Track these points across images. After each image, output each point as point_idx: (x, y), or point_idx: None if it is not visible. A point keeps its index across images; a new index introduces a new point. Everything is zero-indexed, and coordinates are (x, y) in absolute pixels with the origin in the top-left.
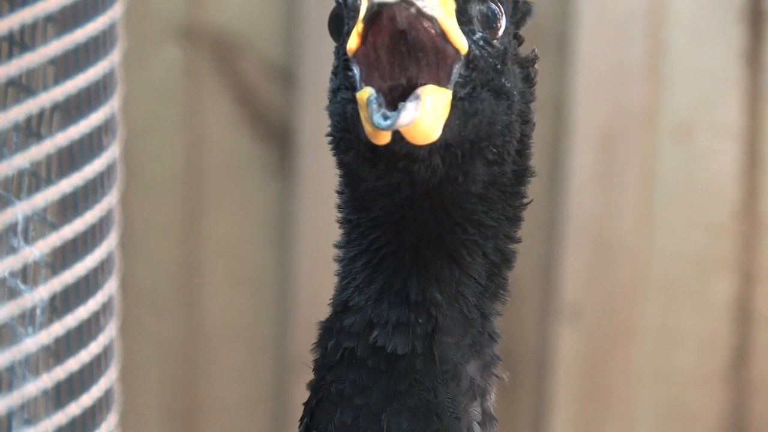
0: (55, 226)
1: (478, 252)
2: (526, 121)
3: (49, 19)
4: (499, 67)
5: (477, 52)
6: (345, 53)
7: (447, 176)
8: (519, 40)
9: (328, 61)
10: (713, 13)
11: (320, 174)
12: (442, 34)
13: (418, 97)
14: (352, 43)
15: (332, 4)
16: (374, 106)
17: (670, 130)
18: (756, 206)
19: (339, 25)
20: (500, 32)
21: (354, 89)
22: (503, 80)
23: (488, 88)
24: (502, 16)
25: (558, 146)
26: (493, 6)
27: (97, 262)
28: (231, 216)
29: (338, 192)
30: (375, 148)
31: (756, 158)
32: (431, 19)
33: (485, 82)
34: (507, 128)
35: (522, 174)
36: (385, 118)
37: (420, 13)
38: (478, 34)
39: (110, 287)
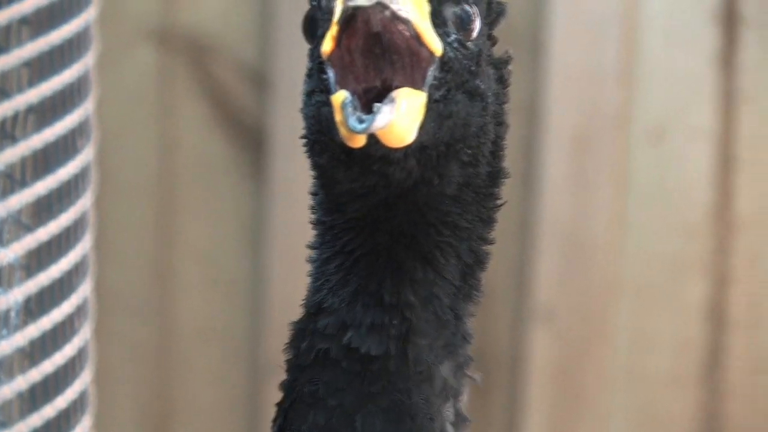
0: (29, 229)
1: (452, 253)
2: (500, 122)
3: (24, 21)
4: (473, 68)
5: (451, 54)
6: (319, 56)
7: (422, 178)
8: (493, 41)
9: (303, 64)
10: (687, 16)
11: (294, 177)
12: (417, 37)
13: (393, 100)
14: (327, 45)
15: (306, 7)
16: (349, 109)
17: (643, 133)
18: (729, 209)
19: (313, 27)
20: (474, 34)
21: (329, 92)
22: (478, 82)
23: (463, 90)
24: (476, 17)
25: (531, 148)
26: (467, 7)
27: (71, 265)
28: (204, 219)
29: (312, 194)
30: (350, 151)
31: (729, 161)
32: (405, 22)
33: (460, 84)
34: (481, 130)
35: (496, 175)
36: (360, 121)
37: (394, 16)
38: (453, 36)
39: (84, 290)
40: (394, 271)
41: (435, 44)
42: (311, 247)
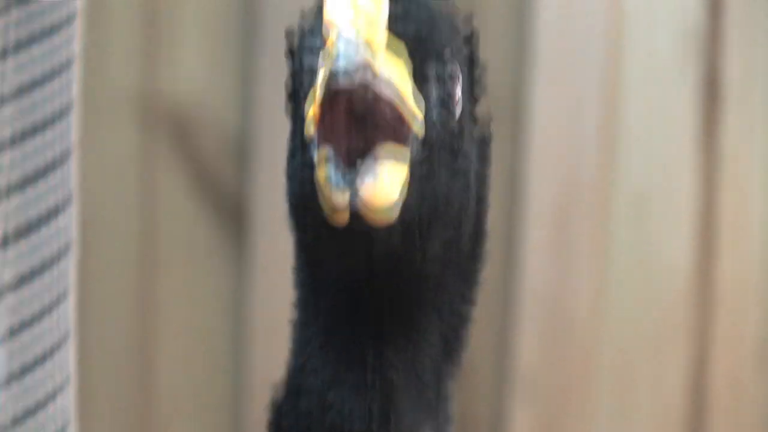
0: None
1: (435, 316)
2: (481, 199)
3: (3, 100)
4: (455, 146)
5: (434, 118)
6: (302, 118)
7: (405, 256)
8: (475, 119)
9: (285, 138)
10: (668, 87)
11: (276, 253)
12: (400, 103)
13: (374, 170)
14: (309, 128)
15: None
16: (332, 169)
17: (624, 203)
18: (711, 278)
19: (295, 88)
20: (458, 95)
21: (311, 158)
22: (460, 160)
23: (445, 168)
24: (458, 81)
25: (512, 221)
26: (449, 70)
27: (55, 338)
28: (186, 292)
29: (294, 256)
30: (332, 227)
31: (710, 230)
32: (389, 87)
33: (442, 161)
34: (463, 208)
35: (478, 255)
36: (343, 178)
37: (377, 89)
38: (435, 96)
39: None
40: (376, 334)
41: (414, 108)
42: (292, 307)
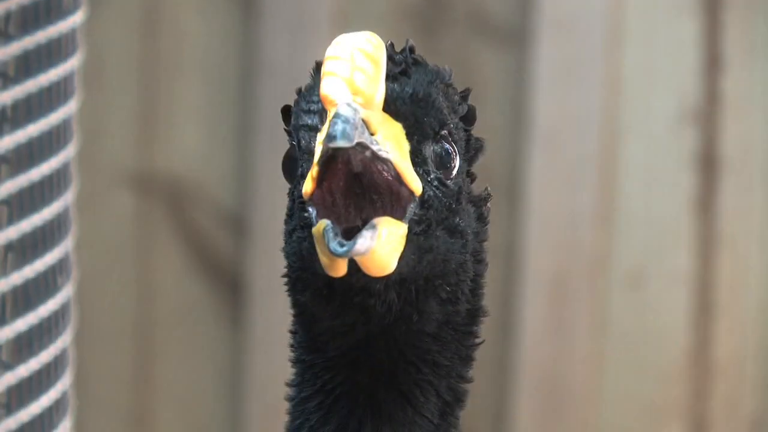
0: (10, 367)
1: (431, 391)
2: (479, 260)
3: (2, 159)
4: (453, 206)
5: (431, 192)
6: (300, 195)
7: (401, 314)
8: (472, 177)
9: (281, 210)
10: (665, 159)
11: (272, 322)
12: (397, 177)
13: (374, 227)
14: (308, 186)
15: (286, 143)
16: (330, 234)
17: (621, 277)
18: (707, 354)
19: (293, 167)
20: (454, 172)
21: (310, 227)
22: (457, 219)
23: (443, 227)
24: (455, 156)
25: (509, 291)
26: (447, 146)
27: (51, 402)
28: (182, 364)
29: (291, 332)
30: (331, 284)
31: (707, 306)
32: (386, 162)
33: (440, 220)
34: (461, 267)
35: (475, 314)
36: (342, 245)
37: (375, 157)
38: (433, 175)
39: (65, 428)
40: (374, 410)
41: (415, 184)
42: (290, 385)
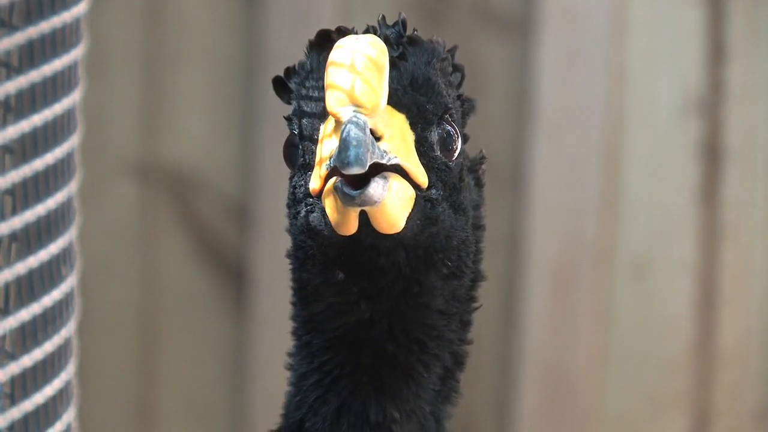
0: (14, 357)
1: (436, 364)
2: (478, 226)
3: (7, 149)
4: (456, 185)
5: (436, 177)
6: (304, 184)
7: (406, 283)
8: (466, 138)
9: (284, 199)
10: (669, 149)
11: (276, 311)
12: (405, 173)
13: (385, 178)
14: (315, 183)
15: (286, 138)
16: (341, 185)
17: (625, 267)
18: (711, 344)
19: (293, 154)
20: (456, 153)
21: (318, 196)
22: (461, 197)
23: (449, 204)
24: (458, 137)
25: (513, 282)
26: (449, 128)
27: (55, 391)
28: (186, 353)
29: (292, 303)
30: (341, 250)
31: (711, 296)
32: (393, 168)
33: (446, 197)
34: (463, 243)
35: (474, 279)
36: (355, 190)
37: (382, 167)
38: (438, 160)
39: (68, 417)
40: (378, 390)
41: (422, 178)
42: (290, 355)
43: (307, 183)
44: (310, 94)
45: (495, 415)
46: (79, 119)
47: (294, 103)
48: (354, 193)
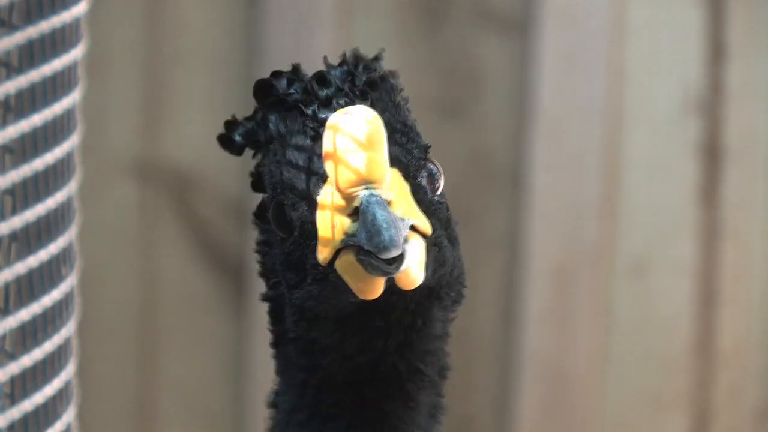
0: (14, 357)
1: (431, 389)
2: (455, 241)
3: (7, 149)
4: (447, 217)
5: (435, 219)
6: (312, 257)
7: (412, 320)
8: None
9: None
10: (669, 149)
11: None
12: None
13: (407, 242)
14: (325, 254)
15: (272, 203)
16: (370, 259)
17: (625, 267)
18: (711, 343)
19: (283, 216)
20: (441, 187)
21: (330, 265)
22: (452, 226)
23: (447, 238)
24: (440, 173)
25: (513, 283)
26: (431, 166)
27: (55, 391)
28: (186, 353)
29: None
30: (359, 304)
31: (711, 296)
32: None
33: (444, 232)
34: (461, 274)
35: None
36: (390, 263)
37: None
38: (434, 201)
39: (68, 417)
40: (379, 423)
41: (424, 227)
42: (276, 392)
43: (307, 251)
44: (293, 161)
45: (495, 415)
46: (79, 119)
47: (271, 170)
48: (392, 269)
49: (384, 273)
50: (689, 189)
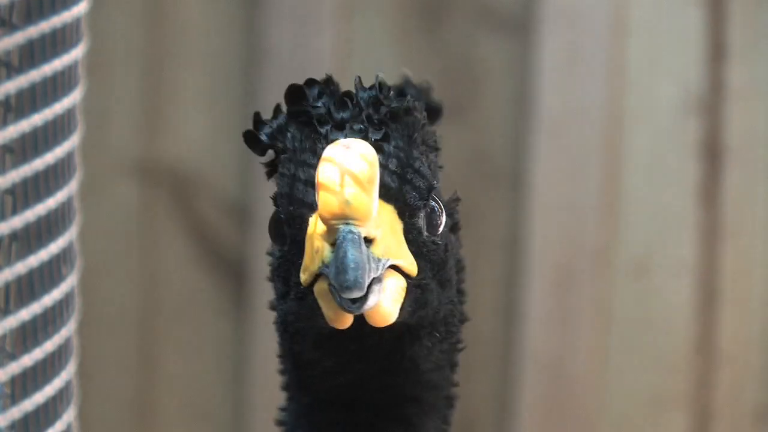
0: (14, 357)
1: (434, 415)
2: (460, 268)
3: (7, 149)
4: (443, 259)
5: (424, 261)
6: (296, 273)
7: (388, 353)
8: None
9: None
10: (669, 149)
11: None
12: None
13: (380, 281)
14: (305, 276)
15: (272, 215)
16: (340, 300)
17: (625, 267)
18: (712, 344)
19: (280, 229)
20: (441, 228)
21: (309, 287)
22: (447, 269)
23: (437, 281)
24: (441, 212)
25: (514, 282)
26: (434, 204)
27: (56, 391)
28: (186, 353)
29: (280, 357)
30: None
31: (711, 296)
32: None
33: (433, 275)
34: (451, 313)
35: (460, 321)
36: (354, 302)
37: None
38: (427, 242)
39: (69, 417)
40: None
41: (410, 268)
42: (282, 408)
43: (293, 268)
44: (298, 177)
45: (495, 414)
46: (79, 119)
47: (279, 180)
48: (353, 308)
49: (345, 311)
50: (689, 189)
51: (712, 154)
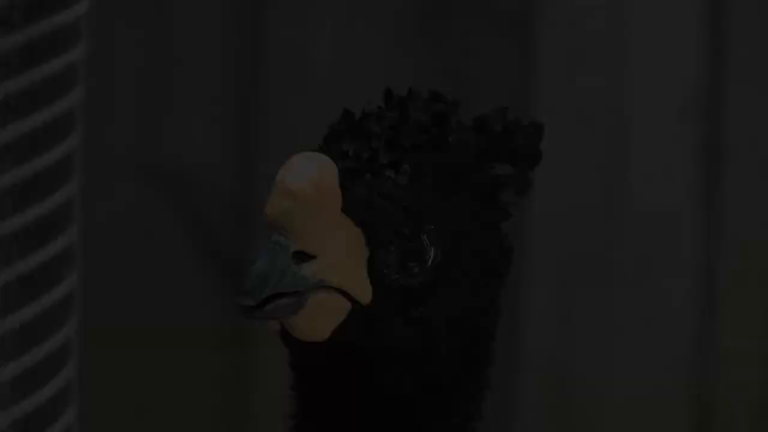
0: (14, 357)
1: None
2: (485, 312)
3: (8, 149)
4: (418, 297)
5: (386, 293)
6: None
7: (354, 372)
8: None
9: None
10: (669, 149)
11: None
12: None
13: (301, 295)
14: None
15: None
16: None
17: (625, 267)
18: (711, 343)
19: None
20: (429, 263)
21: None
22: (421, 310)
23: (403, 318)
24: (429, 256)
25: (516, 282)
26: (418, 247)
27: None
28: (185, 353)
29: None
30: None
31: (713, 295)
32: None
33: (398, 312)
34: (427, 350)
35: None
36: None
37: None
38: (393, 280)
39: (68, 417)
40: None
41: (361, 296)
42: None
43: None
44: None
45: (496, 411)
46: (79, 119)
47: None
48: (248, 314)
49: (240, 313)
50: (689, 189)
51: (712, 154)
